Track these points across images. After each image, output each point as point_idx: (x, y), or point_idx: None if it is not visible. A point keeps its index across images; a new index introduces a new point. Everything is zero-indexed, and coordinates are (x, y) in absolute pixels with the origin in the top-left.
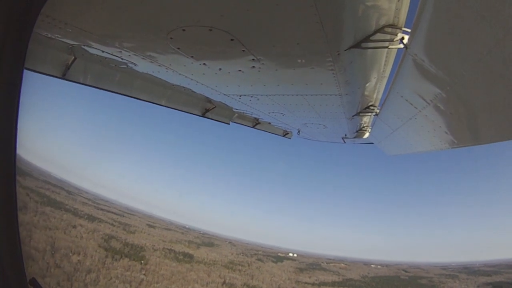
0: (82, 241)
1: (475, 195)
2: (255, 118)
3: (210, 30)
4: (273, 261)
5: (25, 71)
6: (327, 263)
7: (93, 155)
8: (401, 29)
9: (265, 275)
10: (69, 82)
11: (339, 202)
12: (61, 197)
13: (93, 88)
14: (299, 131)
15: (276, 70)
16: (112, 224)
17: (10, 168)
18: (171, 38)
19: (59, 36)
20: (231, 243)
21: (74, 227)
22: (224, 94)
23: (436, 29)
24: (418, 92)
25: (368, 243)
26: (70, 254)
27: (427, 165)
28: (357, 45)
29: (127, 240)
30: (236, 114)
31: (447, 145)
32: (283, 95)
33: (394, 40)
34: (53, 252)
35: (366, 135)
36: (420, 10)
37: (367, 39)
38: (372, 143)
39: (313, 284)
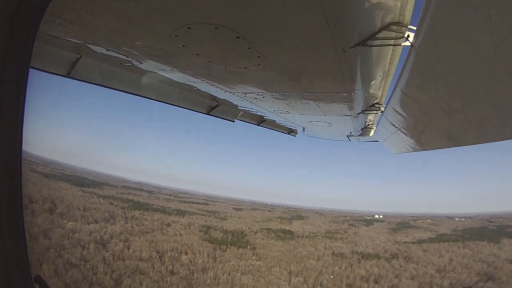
0: (184, 238)
1: None
2: (260, 116)
3: (216, 28)
4: (364, 225)
5: (30, 69)
6: (414, 221)
7: (103, 152)
8: (406, 27)
9: (366, 240)
10: (75, 81)
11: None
12: (144, 198)
13: (98, 86)
14: (304, 129)
15: (282, 68)
16: (202, 215)
17: (16, 166)
18: (176, 36)
19: (64, 34)
20: (318, 213)
21: (169, 225)
22: (229, 92)
23: (441, 27)
24: (423, 90)
25: (444, 197)
26: (177, 255)
27: None
28: (362, 42)
29: (224, 227)
30: (241, 112)
31: (452, 144)
32: (288, 93)
33: (400, 37)
34: (160, 257)
35: (371, 133)
36: (426, 7)
37: (372, 36)
38: (377, 141)
39: (413, 242)
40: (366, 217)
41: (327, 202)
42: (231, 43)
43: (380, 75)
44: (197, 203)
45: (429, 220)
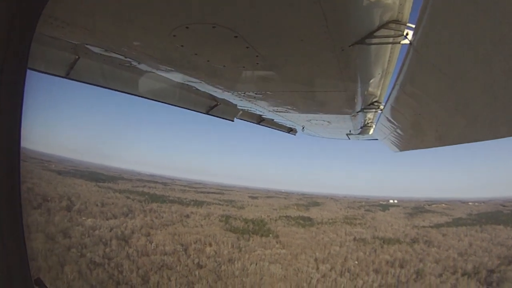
0: (205, 229)
1: None
2: (260, 115)
3: (214, 27)
4: (380, 210)
5: (28, 71)
6: (429, 205)
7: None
8: (405, 25)
9: (384, 225)
10: (73, 81)
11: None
12: (159, 190)
13: (97, 87)
14: (303, 128)
15: (280, 67)
16: (219, 204)
17: (14, 167)
18: (174, 35)
19: (62, 35)
20: (333, 199)
21: (188, 216)
22: (228, 92)
23: (440, 25)
24: (422, 88)
25: (456, 181)
26: (201, 247)
27: None
28: (361, 41)
29: (243, 216)
30: (241, 111)
31: (451, 142)
32: (287, 91)
33: (398, 35)
34: (184, 250)
35: (371, 131)
36: (424, 5)
37: (371, 35)
38: (377, 139)
39: (431, 227)
40: (381, 202)
41: (340, 188)
42: (229, 43)
43: (379, 74)
44: (212, 193)
45: (443, 205)
